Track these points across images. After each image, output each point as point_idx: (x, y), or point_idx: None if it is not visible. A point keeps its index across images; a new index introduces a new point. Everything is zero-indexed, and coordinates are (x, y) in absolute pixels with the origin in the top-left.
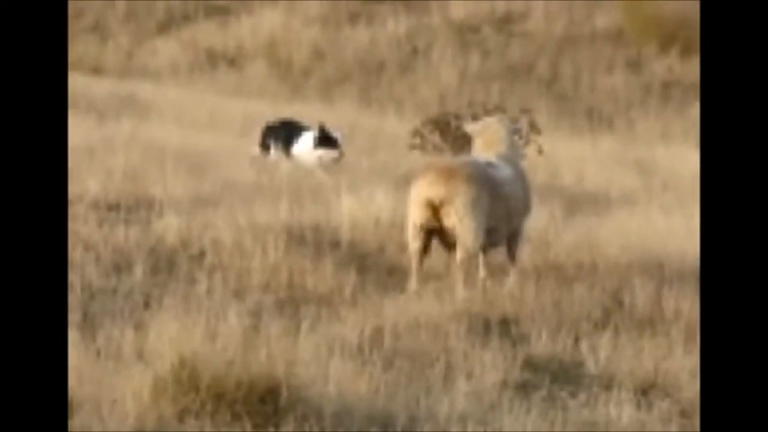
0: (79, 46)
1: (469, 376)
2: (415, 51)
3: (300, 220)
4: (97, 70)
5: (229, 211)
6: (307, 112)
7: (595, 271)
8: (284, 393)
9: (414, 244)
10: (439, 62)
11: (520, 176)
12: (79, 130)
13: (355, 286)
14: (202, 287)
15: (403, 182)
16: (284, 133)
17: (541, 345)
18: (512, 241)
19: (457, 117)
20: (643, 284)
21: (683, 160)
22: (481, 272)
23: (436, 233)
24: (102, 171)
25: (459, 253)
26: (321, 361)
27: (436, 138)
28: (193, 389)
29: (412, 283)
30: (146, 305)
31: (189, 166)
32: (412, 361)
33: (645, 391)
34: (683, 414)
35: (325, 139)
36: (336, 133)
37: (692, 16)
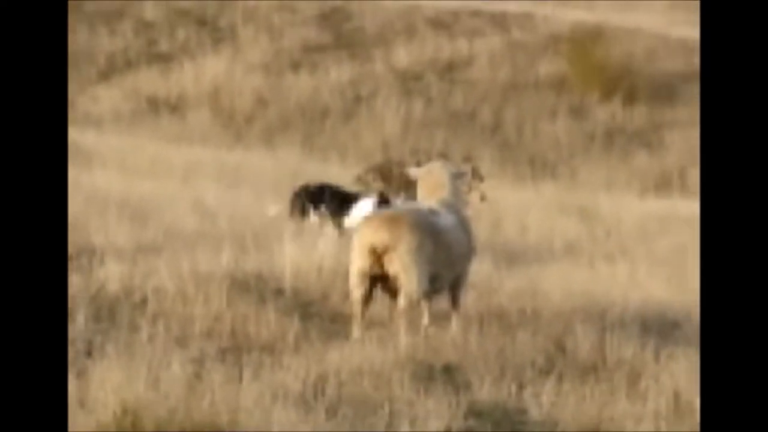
0: None
1: (413, 423)
2: (358, 98)
3: (243, 267)
4: None
5: (171, 258)
6: (250, 159)
7: (538, 318)
8: None
9: (357, 291)
10: (382, 109)
11: (463, 223)
12: None
13: (299, 334)
14: (144, 335)
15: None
16: (330, 198)
17: (485, 392)
18: (455, 287)
19: (401, 164)
20: (586, 331)
21: (626, 207)
22: (425, 319)
23: (379, 280)
24: None
25: (402, 300)
26: (264, 408)
27: (379, 185)
28: None
29: (356, 330)
30: (88, 353)
31: (131, 213)
32: (355, 408)
33: None
34: None
35: (386, 205)
36: (397, 201)
37: (635, 64)
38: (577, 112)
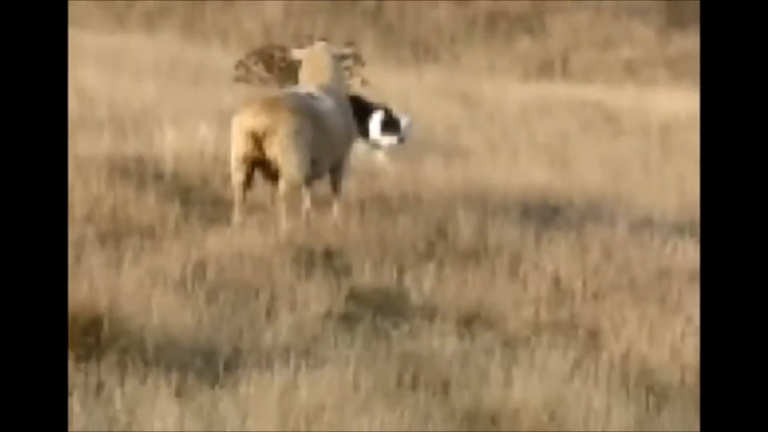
0: None
1: (293, 307)
2: None
3: (122, 151)
4: None
5: None
6: (130, 43)
7: (420, 203)
8: (106, 325)
9: (237, 175)
10: None
11: (343, 108)
12: None
13: (179, 218)
14: None
15: (227, 115)
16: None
17: (365, 277)
18: (336, 172)
19: (282, 49)
20: (467, 216)
21: (508, 92)
22: (306, 204)
23: (259, 165)
24: None
25: (282, 185)
26: (144, 293)
27: (261, 70)
28: None
29: (236, 215)
30: None
31: None
32: (235, 293)
33: (468, 322)
34: (506, 344)
35: (389, 124)
36: (403, 119)
37: None
38: None
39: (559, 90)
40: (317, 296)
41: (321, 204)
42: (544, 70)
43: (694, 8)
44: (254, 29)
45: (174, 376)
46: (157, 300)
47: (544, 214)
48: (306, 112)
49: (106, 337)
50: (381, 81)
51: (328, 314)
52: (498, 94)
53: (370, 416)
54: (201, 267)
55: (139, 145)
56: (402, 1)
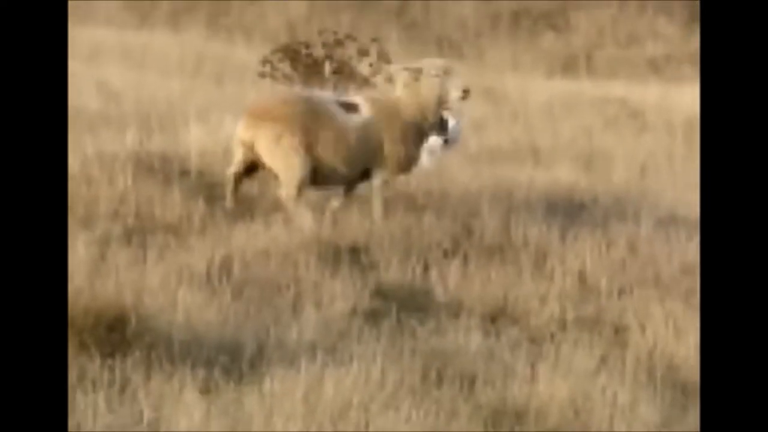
0: None
1: (318, 304)
2: None
3: (148, 148)
4: None
5: (75, 139)
6: (155, 40)
7: (445, 200)
8: (132, 322)
9: (230, 169)
10: None
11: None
12: None
13: (204, 215)
14: None
15: None
16: None
17: (391, 273)
18: (352, 188)
19: (307, 45)
20: (492, 212)
21: (532, 89)
22: (334, 201)
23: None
24: None
25: (281, 190)
26: (169, 289)
27: (285, 67)
28: None
29: (228, 201)
30: None
31: None
32: (261, 289)
33: (493, 318)
34: (532, 340)
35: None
36: (451, 120)
37: None
38: None
39: (583, 86)
40: (343, 293)
41: (352, 202)
42: (569, 66)
43: None
44: (279, 26)
45: (199, 373)
46: (182, 297)
47: (570, 210)
48: (296, 119)
49: (131, 334)
50: None
51: (353, 311)
52: (522, 90)
53: (396, 413)
54: (226, 264)
55: (164, 142)
56: None
